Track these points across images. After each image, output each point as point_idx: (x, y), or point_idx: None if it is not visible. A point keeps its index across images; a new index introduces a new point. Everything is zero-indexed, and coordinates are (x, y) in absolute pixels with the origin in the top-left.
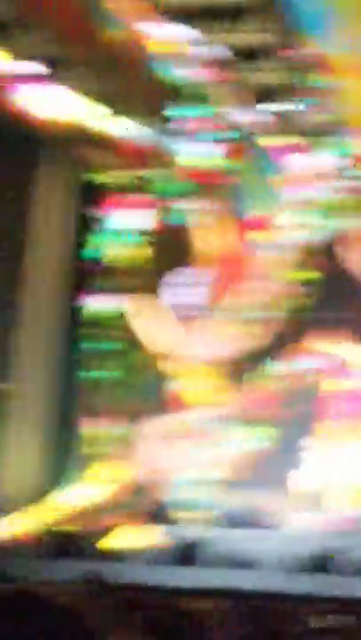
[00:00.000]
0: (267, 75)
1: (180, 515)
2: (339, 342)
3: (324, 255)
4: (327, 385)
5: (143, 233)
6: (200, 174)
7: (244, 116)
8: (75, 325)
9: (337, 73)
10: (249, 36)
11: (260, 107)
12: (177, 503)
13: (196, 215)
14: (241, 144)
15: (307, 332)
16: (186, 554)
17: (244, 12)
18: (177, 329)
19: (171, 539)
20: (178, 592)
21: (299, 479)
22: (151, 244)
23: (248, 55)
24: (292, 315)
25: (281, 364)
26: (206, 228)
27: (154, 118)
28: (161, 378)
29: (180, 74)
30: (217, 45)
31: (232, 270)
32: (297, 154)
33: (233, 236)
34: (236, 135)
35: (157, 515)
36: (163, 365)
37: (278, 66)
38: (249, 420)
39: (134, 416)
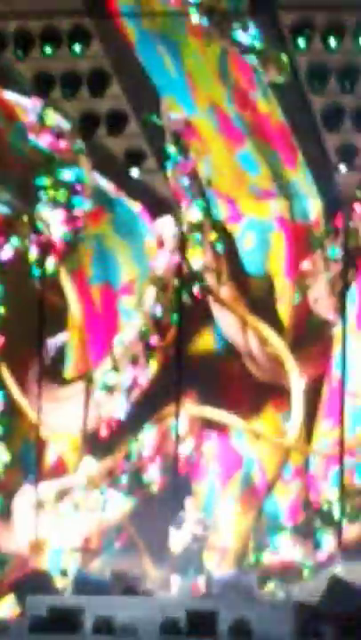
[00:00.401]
0: (130, 140)
1: (58, 582)
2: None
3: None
4: (204, 448)
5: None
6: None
7: (108, 182)
8: None
9: (201, 137)
10: (109, 100)
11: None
12: (54, 571)
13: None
14: (101, 209)
15: (170, 396)
16: (63, 621)
17: (104, 77)
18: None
19: (46, 607)
20: None
21: (173, 543)
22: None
23: (110, 120)
24: (159, 379)
25: (151, 428)
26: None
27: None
28: (36, 445)
29: (40, 143)
30: (73, 113)
31: (96, 337)
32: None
33: (96, 303)
34: (97, 201)
35: (32, 584)
36: (37, 433)
37: (141, 130)
38: (118, 487)
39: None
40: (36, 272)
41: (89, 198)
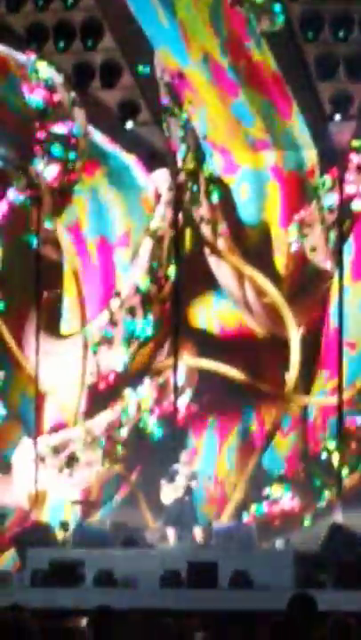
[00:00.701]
0: (122, 92)
1: (59, 535)
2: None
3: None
4: (203, 399)
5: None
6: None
7: (103, 135)
8: None
9: (194, 89)
10: (102, 53)
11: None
12: (55, 524)
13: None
14: (96, 162)
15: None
16: (64, 574)
17: (97, 29)
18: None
19: (47, 560)
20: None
21: (169, 496)
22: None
23: (104, 73)
24: (156, 331)
25: (145, 381)
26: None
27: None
28: (35, 399)
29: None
30: (67, 66)
31: (92, 290)
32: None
33: (92, 256)
34: (91, 154)
35: (33, 537)
36: (36, 387)
37: (134, 82)
38: (117, 439)
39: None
40: (32, 226)
41: (83, 151)
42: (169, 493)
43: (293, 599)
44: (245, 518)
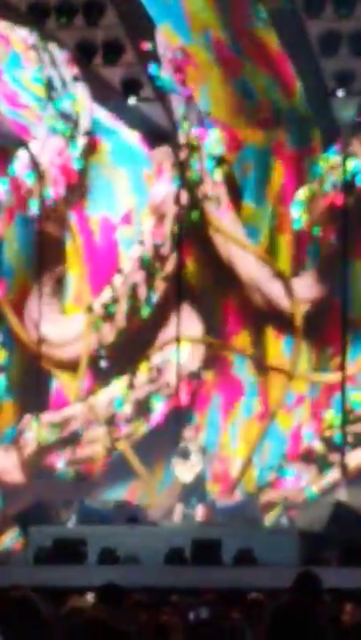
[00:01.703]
0: (125, 69)
1: (62, 513)
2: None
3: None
4: (206, 375)
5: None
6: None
7: (106, 112)
8: None
9: (197, 65)
10: (105, 29)
11: (122, 100)
12: (59, 502)
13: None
14: (99, 138)
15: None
16: (68, 552)
17: (99, 6)
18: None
19: (50, 538)
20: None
21: (177, 473)
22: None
23: (106, 49)
24: (160, 307)
25: (148, 358)
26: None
27: None
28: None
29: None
30: (69, 42)
31: (96, 268)
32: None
33: (95, 233)
34: (94, 130)
35: (36, 515)
36: (38, 364)
37: (136, 59)
38: (120, 416)
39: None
40: (35, 203)
41: (87, 128)
42: (186, 471)
43: (298, 577)
44: (249, 496)
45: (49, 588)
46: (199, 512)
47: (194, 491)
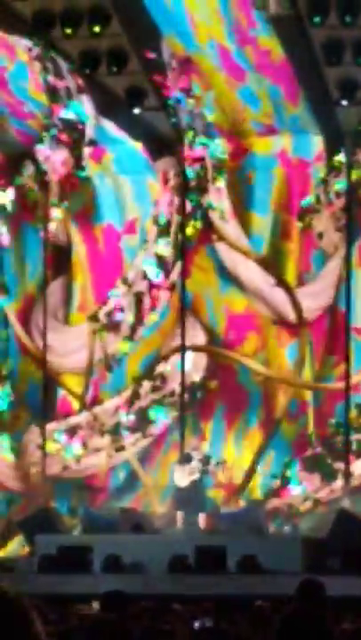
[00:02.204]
0: (129, 78)
1: (67, 521)
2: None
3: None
4: (210, 384)
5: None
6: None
7: (110, 121)
8: None
9: (202, 74)
10: (108, 40)
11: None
12: (63, 510)
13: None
14: (103, 148)
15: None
16: (72, 560)
17: (104, 15)
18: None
19: (55, 546)
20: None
21: (178, 480)
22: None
23: (111, 59)
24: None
25: (153, 367)
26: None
27: None
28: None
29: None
30: (74, 52)
31: (100, 277)
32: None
33: (99, 242)
34: (98, 140)
35: (41, 523)
36: (44, 373)
37: (140, 68)
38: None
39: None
40: (40, 213)
41: (91, 138)
42: (183, 476)
43: (302, 585)
44: (253, 503)
45: (54, 596)
46: (202, 520)
47: (190, 497)
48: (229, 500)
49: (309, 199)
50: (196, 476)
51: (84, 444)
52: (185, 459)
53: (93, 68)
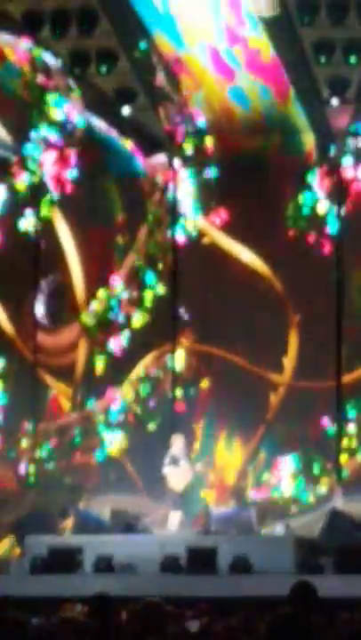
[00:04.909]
0: (119, 78)
1: (58, 522)
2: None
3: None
4: (202, 383)
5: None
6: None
7: (100, 121)
8: None
9: (191, 73)
10: (98, 38)
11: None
12: (54, 511)
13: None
14: (93, 148)
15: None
16: (64, 561)
17: (93, 15)
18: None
19: (46, 547)
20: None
21: (169, 480)
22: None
23: (100, 58)
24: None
25: (144, 366)
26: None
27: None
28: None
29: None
30: (63, 52)
31: (90, 276)
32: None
33: (90, 242)
34: (88, 140)
35: (32, 524)
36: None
37: (131, 68)
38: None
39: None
40: (30, 213)
41: (81, 137)
42: (178, 479)
43: (295, 588)
44: (245, 504)
45: (45, 598)
46: (194, 520)
47: (183, 498)
48: (221, 501)
49: (300, 198)
50: (191, 476)
51: (75, 444)
52: (172, 460)
53: (83, 67)
